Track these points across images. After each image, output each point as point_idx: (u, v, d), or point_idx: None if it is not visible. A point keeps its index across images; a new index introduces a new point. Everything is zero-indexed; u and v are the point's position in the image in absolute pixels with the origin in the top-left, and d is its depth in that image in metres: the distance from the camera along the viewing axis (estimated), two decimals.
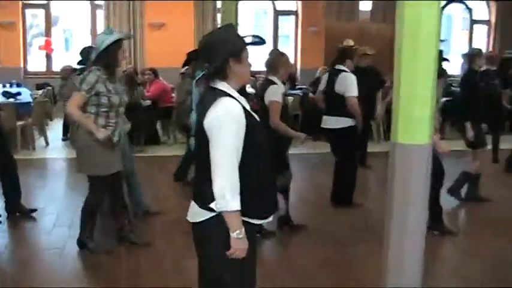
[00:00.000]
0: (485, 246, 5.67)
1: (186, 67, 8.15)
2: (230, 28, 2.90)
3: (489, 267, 5.23)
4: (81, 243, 5.18)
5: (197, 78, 2.80)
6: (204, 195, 2.76)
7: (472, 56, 6.99)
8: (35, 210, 6.29)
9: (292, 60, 16.47)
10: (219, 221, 2.73)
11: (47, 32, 14.71)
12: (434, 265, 5.09)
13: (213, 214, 2.76)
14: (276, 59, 5.62)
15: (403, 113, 3.48)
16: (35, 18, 15.14)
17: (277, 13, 16.39)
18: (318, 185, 7.94)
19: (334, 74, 6.66)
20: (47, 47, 14.35)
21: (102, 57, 4.81)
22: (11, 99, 9.93)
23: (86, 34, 14.98)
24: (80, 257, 5.15)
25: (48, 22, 14.71)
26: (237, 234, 2.71)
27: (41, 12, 14.63)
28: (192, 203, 2.88)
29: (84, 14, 14.81)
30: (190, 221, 2.89)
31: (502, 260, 5.31)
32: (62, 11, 15.31)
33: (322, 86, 6.90)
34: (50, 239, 5.66)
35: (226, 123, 2.66)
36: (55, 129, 11.46)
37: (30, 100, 10.42)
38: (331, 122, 6.64)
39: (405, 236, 3.61)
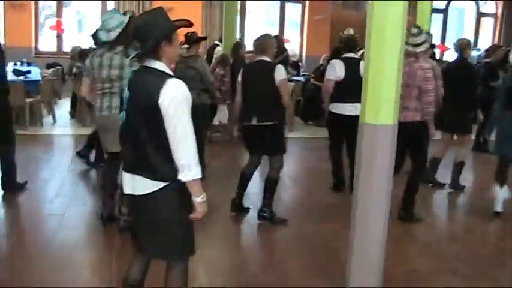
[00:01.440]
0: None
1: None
2: (161, 11, 3.09)
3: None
4: (112, 216, 5.42)
5: (131, 56, 3.01)
6: (156, 168, 3.02)
7: (461, 45, 7.22)
8: (25, 183, 6.56)
9: (298, 48, 16.81)
10: (172, 189, 3.03)
11: (59, 13, 15.07)
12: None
13: (165, 184, 3.02)
14: (266, 41, 5.79)
15: (370, 95, 3.80)
16: None
17: (285, 0, 16.62)
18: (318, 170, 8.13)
19: (352, 63, 6.57)
20: (58, 28, 14.71)
21: (125, 37, 4.92)
22: (21, 77, 10.29)
23: (97, 16, 15.31)
24: (78, 224, 5.53)
25: (60, 3, 15.06)
26: (202, 198, 3.04)
27: None
28: (135, 176, 3.08)
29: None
30: (138, 193, 3.10)
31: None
32: None
33: (335, 73, 6.61)
34: (52, 207, 6.04)
35: (183, 102, 2.95)
36: (63, 107, 11.83)
37: (39, 78, 10.81)
38: (352, 109, 6.34)
39: (370, 209, 3.96)
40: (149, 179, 3.03)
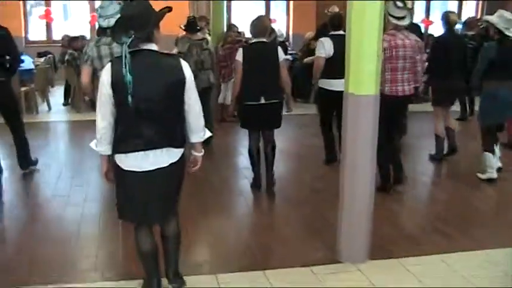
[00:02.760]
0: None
1: None
2: (147, 1, 3.41)
3: None
4: None
5: (128, 43, 3.23)
6: (179, 137, 3.48)
7: (449, 18, 7.31)
8: (36, 161, 6.92)
9: (285, 27, 16.99)
10: (183, 154, 3.55)
11: (47, 2, 15.18)
12: None
13: (183, 149, 3.52)
14: (263, 22, 6.05)
15: (353, 67, 4.08)
16: None
17: None
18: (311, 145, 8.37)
19: (340, 40, 6.22)
20: (47, 17, 14.84)
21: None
22: None
23: (83, 3, 15.42)
24: (82, 204, 5.77)
25: None
26: (202, 152, 3.72)
27: None
28: (157, 151, 3.39)
29: None
30: (169, 163, 3.44)
31: None
32: None
33: (324, 50, 6.75)
34: (56, 189, 6.30)
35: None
36: (56, 95, 12.03)
37: (33, 67, 10.99)
38: (341, 84, 6.32)
39: (356, 174, 4.26)
40: (176, 148, 3.45)
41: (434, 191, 6.75)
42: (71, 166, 7.23)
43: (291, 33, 16.80)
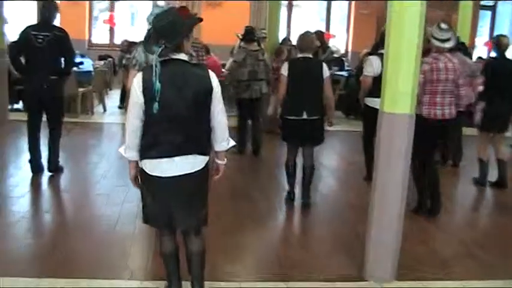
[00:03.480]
0: None
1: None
2: (176, 12, 3.51)
3: None
4: None
5: (158, 52, 3.33)
6: (205, 145, 3.57)
7: (501, 42, 7.09)
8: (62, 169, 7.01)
9: (344, 43, 17.00)
10: (208, 163, 3.61)
11: (111, 7, 15.66)
12: None
13: (208, 157, 3.59)
14: (309, 38, 6.13)
15: (389, 85, 4.08)
16: None
17: None
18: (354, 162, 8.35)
19: None
20: (111, 21, 15.33)
21: None
22: (74, 68, 10.81)
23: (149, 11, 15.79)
24: (120, 204, 5.91)
25: None
26: (225, 161, 3.77)
27: None
28: (183, 157, 3.46)
29: None
30: (194, 170, 3.51)
31: None
32: None
33: (372, 69, 6.75)
34: (99, 187, 6.51)
35: None
36: (113, 97, 12.38)
37: (91, 69, 11.36)
38: None
39: (387, 192, 4.24)
40: (202, 155, 3.53)
41: (474, 216, 6.61)
42: (117, 167, 7.42)
43: (350, 49, 16.78)
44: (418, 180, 6.10)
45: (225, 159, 3.77)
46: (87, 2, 15.15)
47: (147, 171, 3.52)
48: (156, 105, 3.33)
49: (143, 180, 3.61)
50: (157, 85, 3.31)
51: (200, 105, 3.46)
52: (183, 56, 3.48)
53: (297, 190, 6.34)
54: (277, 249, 5.10)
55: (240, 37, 8.57)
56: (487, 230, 6.05)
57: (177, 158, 3.46)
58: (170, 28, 3.38)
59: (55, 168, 6.86)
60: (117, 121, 10.69)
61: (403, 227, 4.39)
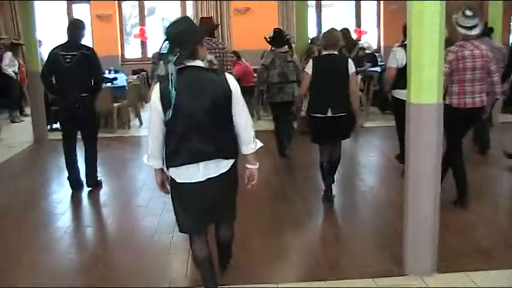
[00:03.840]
0: None
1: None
2: (190, 19, 3.61)
3: None
4: None
5: (174, 60, 3.36)
6: (230, 148, 3.60)
7: None
8: (100, 184, 7.15)
9: (376, 38, 16.88)
10: (235, 164, 3.66)
11: (142, 21, 15.89)
12: None
13: (234, 159, 3.63)
14: (334, 35, 6.09)
15: (414, 76, 4.03)
16: (134, 8, 16.32)
17: None
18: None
19: None
20: (142, 35, 15.57)
21: None
22: (108, 84, 11.03)
23: None
24: (159, 214, 5.98)
25: (142, 12, 15.88)
26: (257, 165, 3.75)
27: (136, 3, 15.79)
28: (207, 163, 3.52)
29: (175, 4, 15.82)
30: (219, 173, 3.56)
31: None
32: (157, 1, 16.36)
33: (396, 61, 6.71)
34: (138, 199, 6.62)
35: None
36: (149, 110, 12.52)
37: (125, 84, 11.55)
38: None
39: (419, 187, 4.19)
40: (225, 159, 3.56)
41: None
42: (154, 178, 7.50)
43: (382, 45, 16.66)
44: (456, 171, 5.99)
45: (257, 163, 3.76)
46: (118, 18, 15.41)
47: (175, 179, 3.59)
48: (170, 112, 3.37)
49: (172, 188, 3.70)
50: (173, 93, 3.36)
51: (220, 110, 3.48)
52: (199, 63, 3.51)
53: (335, 189, 6.33)
54: (315, 249, 5.08)
55: (269, 40, 8.55)
56: None
57: (201, 164, 3.51)
58: (183, 36, 3.43)
59: (94, 184, 7.00)
60: None
61: (443, 219, 4.35)
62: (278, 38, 8.23)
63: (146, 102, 12.99)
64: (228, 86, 3.50)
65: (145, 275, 4.56)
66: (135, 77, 12.93)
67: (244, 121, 3.59)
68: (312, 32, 13.87)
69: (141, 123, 11.52)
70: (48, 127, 10.50)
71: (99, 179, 7.11)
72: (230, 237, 4.03)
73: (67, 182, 6.97)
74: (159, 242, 5.26)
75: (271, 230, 5.43)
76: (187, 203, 3.65)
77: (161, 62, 5.56)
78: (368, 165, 8.04)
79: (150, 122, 3.56)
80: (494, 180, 7.23)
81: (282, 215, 5.85)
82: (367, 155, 8.69)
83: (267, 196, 6.42)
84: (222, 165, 3.57)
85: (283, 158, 8.13)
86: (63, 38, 6.80)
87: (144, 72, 13.42)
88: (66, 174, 7.01)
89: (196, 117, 3.44)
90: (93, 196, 6.85)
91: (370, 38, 16.39)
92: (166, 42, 5.10)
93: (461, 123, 5.62)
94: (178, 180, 3.58)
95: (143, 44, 15.87)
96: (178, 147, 3.49)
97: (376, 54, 15.19)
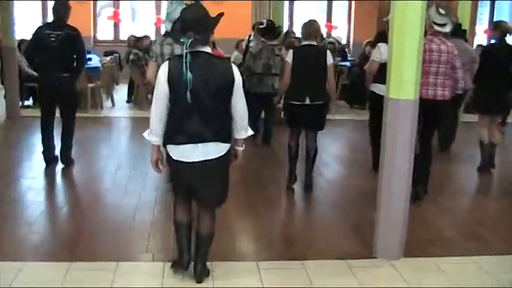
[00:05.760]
0: None
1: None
2: (204, 7, 3.77)
3: None
4: None
5: (187, 44, 3.54)
6: (227, 133, 3.80)
7: (502, 27, 7.27)
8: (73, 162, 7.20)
9: (345, 33, 17.17)
10: (229, 149, 3.86)
11: (115, 4, 15.88)
12: None
13: (229, 144, 3.82)
14: (314, 26, 6.30)
15: (394, 72, 4.32)
16: None
17: None
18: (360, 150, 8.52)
19: None
20: (115, 18, 15.57)
21: None
22: None
23: (149, 4, 16.04)
24: (138, 193, 6.14)
25: None
26: (243, 147, 4.01)
27: None
28: (208, 144, 3.70)
29: None
30: (215, 157, 3.75)
31: None
32: None
33: (380, 55, 6.76)
34: (116, 178, 6.74)
35: None
36: (120, 92, 12.60)
37: (99, 65, 11.60)
38: None
39: (393, 177, 4.47)
40: (223, 142, 3.76)
41: (476, 198, 6.84)
42: (130, 158, 7.66)
43: (351, 40, 16.96)
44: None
45: (243, 145, 4.02)
46: (91, 1, 15.35)
47: (172, 156, 3.77)
48: (188, 94, 3.55)
49: (168, 163, 3.88)
50: (189, 75, 3.54)
51: (223, 95, 3.69)
52: (208, 49, 3.70)
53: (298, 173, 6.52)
54: (289, 232, 5.36)
55: (262, 27, 8.55)
56: (488, 211, 6.27)
57: (200, 145, 3.70)
58: (200, 22, 3.62)
59: (68, 161, 7.10)
60: (126, 115, 10.96)
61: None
62: (271, 31, 8.32)
63: (118, 84, 13.04)
64: (233, 74, 3.70)
65: (128, 250, 4.68)
66: (107, 58, 12.94)
67: (242, 109, 3.81)
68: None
69: (113, 105, 11.61)
70: (20, 104, 10.48)
71: (71, 157, 7.20)
72: (210, 231, 4.00)
73: (40, 159, 7.06)
74: (139, 219, 5.40)
75: (246, 213, 5.68)
76: (181, 178, 3.89)
77: (156, 42, 5.77)
78: (336, 156, 8.31)
79: (155, 100, 3.71)
80: (455, 175, 7.59)
81: (256, 199, 6.08)
82: (335, 146, 8.96)
83: (242, 182, 6.59)
84: (219, 149, 3.76)
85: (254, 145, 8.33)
86: (36, 17, 6.84)
87: (116, 54, 13.43)
88: (40, 149, 7.09)
89: (201, 100, 3.62)
90: (68, 173, 6.94)
91: (340, 33, 16.67)
92: (167, 22, 5.27)
93: (423, 114, 5.91)
94: (174, 158, 3.76)
95: (116, 26, 15.87)
96: (180, 127, 3.68)
97: (346, 49, 15.50)
